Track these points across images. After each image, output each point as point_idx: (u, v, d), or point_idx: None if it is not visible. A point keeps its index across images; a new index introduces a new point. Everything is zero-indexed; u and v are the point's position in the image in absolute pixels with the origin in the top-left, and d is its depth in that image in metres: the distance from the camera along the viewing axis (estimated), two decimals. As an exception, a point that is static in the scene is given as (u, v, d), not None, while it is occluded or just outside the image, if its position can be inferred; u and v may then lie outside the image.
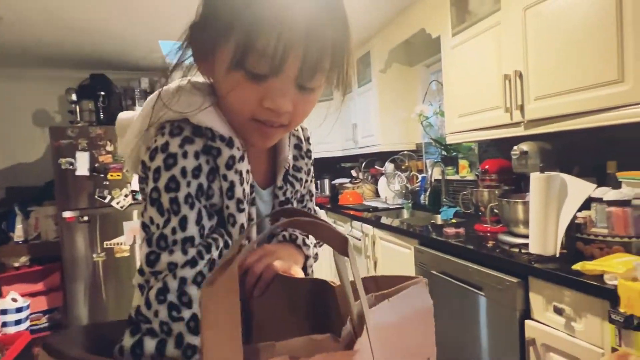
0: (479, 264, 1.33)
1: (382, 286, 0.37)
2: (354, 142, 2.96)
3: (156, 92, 0.49)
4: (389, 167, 2.80)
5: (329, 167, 3.56)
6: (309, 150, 0.66)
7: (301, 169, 0.64)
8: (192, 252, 0.42)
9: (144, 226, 0.44)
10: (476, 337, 1.35)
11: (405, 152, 2.73)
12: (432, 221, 2.12)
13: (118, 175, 2.62)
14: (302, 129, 0.67)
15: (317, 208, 0.79)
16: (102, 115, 2.79)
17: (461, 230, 1.63)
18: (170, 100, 0.47)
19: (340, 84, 0.48)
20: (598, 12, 1.14)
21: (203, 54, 0.46)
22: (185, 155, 0.44)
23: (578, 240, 1.18)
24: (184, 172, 0.43)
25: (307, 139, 0.66)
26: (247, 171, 0.50)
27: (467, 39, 1.71)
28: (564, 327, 1.05)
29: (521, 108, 1.44)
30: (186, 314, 0.39)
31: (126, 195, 2.64)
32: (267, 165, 0.59)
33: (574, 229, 1.18)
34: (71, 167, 2.52)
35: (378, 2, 2.17)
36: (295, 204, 0.63)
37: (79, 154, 2.55)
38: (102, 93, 2.77)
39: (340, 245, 0.32)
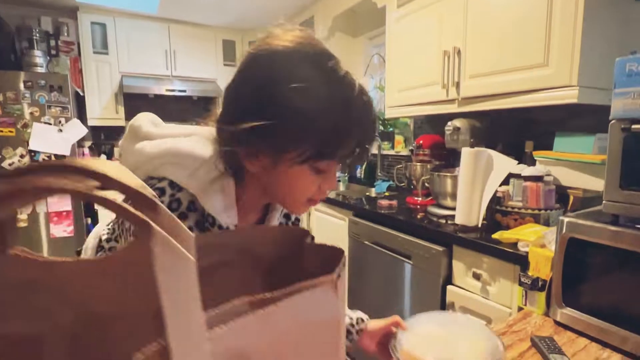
0: (409, 234, 1.38)
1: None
2: (294, 112, 2.87)
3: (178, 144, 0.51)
4: (327, 139, 2.78)
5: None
6: (297, 219, 0.72)
7: None
8: None
9: None
10: (402, 301, 1.42)
11: (344, 125, 2.73)
12: (367, 194, 2.17)
13: (10, 132, 2.20)
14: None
15: None
16: (-12, 58, 2.29)
17: (394, 202, 1.68)
18: (182, 161, 0.49)
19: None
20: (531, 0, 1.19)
21: (269, 152, 0.47)
22: None
23: (497, 212, 1.28)
24: None
25: (297, 218, 0.72)
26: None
27: (412, 11, 1.70)
28: (480, 291, 1.15)
29: (457, 85, 1.48)
30: None
31: (22, 156, 2.24)
32: (257, 217, 0.63)
33: (495, 202, 1.27)
34: (-56, 118, 2.05)
35: (325, -38, 2.05)
36: None
37: (-45, 103, 2.08)
38: (-11, 30, 2.26)
39: None
